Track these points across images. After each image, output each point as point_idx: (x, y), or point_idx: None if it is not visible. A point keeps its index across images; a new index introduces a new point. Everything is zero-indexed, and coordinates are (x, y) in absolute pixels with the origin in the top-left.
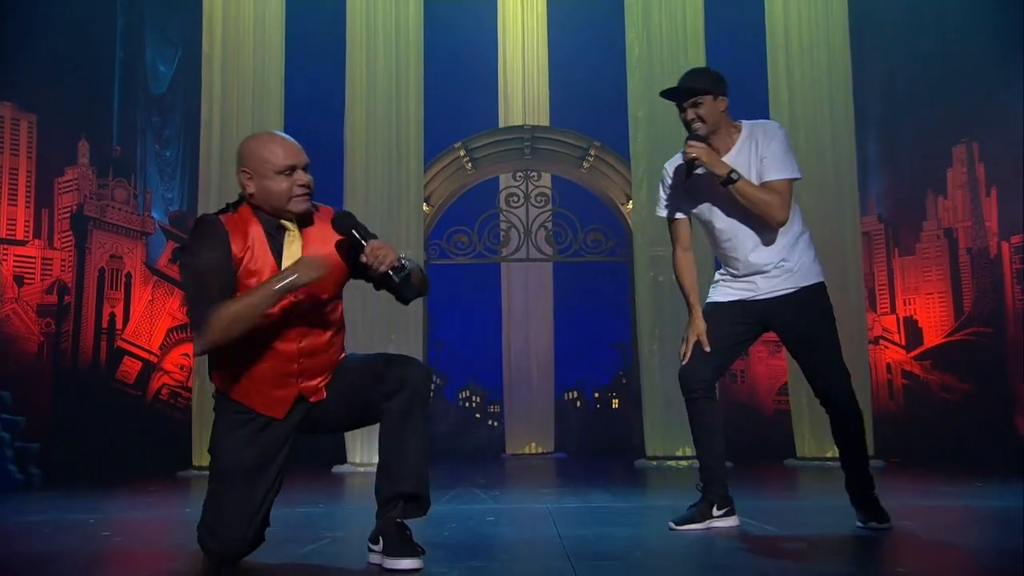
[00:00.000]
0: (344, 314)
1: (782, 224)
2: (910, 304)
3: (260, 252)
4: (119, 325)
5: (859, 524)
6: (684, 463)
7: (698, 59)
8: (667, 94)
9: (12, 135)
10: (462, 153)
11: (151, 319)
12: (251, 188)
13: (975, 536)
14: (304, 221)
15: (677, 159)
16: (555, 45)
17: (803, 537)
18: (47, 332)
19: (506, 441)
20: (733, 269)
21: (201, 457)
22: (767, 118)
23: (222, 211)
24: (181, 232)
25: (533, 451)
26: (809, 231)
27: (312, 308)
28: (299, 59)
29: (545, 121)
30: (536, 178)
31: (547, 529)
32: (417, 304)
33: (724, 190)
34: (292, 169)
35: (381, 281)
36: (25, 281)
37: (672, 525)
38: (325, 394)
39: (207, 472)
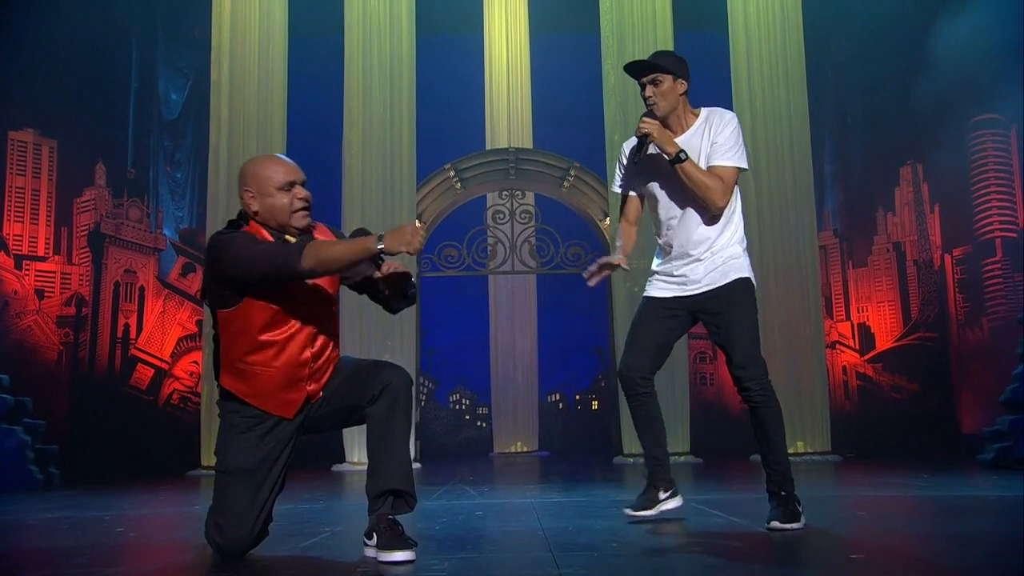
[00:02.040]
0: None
1: (720, 210)
2: (863, 311)
3: None
4: (133, 335)
5: (765, 525)
6: None
7: None
8: (630, 69)
9: (35, 159)
10: (452, 173)
11: (163, 329)
12: (255, 206)
13: (923, 523)
14: (304, 236)
15: (634, 139)
16: (537, 74)
17: (765, 526)
18: (66, 342)
19: (494, 440)
20: (667, 252)
21: (209, 457)
22: None
23: (231, 228)
24: (191, 248)
25: (519, 450)
26: (744, 233)
27: (322, 313)
28: (300, 87)
29: (529, 144)
30: (520, 196)
31: (531, 522)
32: (410, 313)
33: (675, 171)
34: (291, 185)
35: (371, 290)
36: (46, 294)
37: (628, 512)
38: (322, 395)
39: (214, 471)
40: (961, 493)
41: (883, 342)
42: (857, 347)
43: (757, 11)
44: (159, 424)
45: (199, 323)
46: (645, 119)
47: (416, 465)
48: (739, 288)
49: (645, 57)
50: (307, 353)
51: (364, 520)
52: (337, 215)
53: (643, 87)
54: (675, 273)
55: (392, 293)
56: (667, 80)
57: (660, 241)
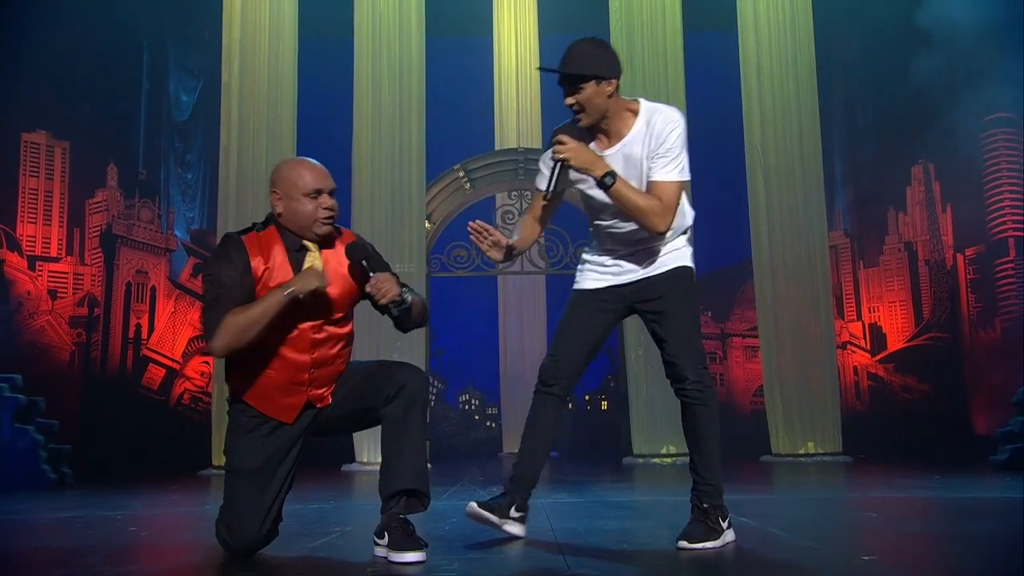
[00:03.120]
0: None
1: (662, 234)
2: (874, 312)
3: (281, 269)
4: (144, 335)
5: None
6: (668, 460)
7: (677, 87)
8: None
9: (47, 160)
10: (461, 174)
11: (174, 329)
12: (279, 208)
13: (936, 525)
14: (325, 243)
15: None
16: (547, 74)
17: (776, 527)
18: (78, 342)
19: (503, 440)
20: (602, 243)
21: (219, 457)
22: (742, 145)
23: (248, 230)
24: (202, 249)
25: None
26: (691, 223)
27: (325, 323)
28: (310, 89)
29: (538, 144)
30: (529, 197)
31: (541, 522)
32: None
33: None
34: (319, 193)
35: (383, 309)
36: (58, 295)
37: (473, 507)
38: (330, 400)
39: (224, 472)
40: (974, 494)
41: (894, 342)
42: (868, 347)
43: (767, 10)
44: (170, 424)
45: None
46: (560, 143)
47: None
48: (679, 275)
49: (652, 57)
50: (306, 358)
51: (374, 520)
52: (347, 215)
53: (565, 94)
54: (608, 263)
55: (387, 314)
56: (589, 86)
57: (592, 230)
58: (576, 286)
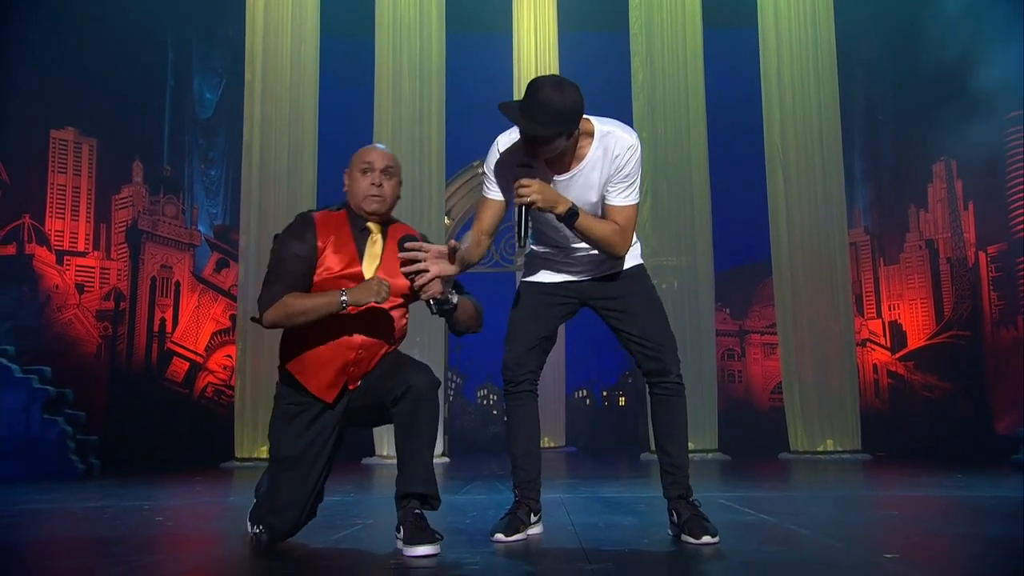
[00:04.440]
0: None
1: (622, 256)
2: (895, 309)
3: (345, 247)
4: (169, 329)
5: (686, 538)
6: None
7: (697, 85)
8: (514, 119)
9: (75, 157)
10: (481, 170)
11: (197, 323)
12: (346, 184)
13: (957, 524)
14: (388, 230)
15: (513, 139)
16: (566, 71)
17: (796, 524)
18: (105, 335)
19: None
20: (558, 247)
21: (242, 449)
22: (761, 142)
23: (323, 208)
24: (225, 244)
25: (546, 445)
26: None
27: (379, 310)
28: (331, 86)
29: None
30: None
31: (560, 517)
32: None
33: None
34: (371, 168)
35: (429, 306)
36: (85, 289)
37: (498, 537)
38: (360, 384)
39: (248, 463)
40: (996, 494)
41: (915, 340)
42: (888, 345)
43: (788, 7)
44: (194, 416)
45: (232, 317)
46: (522, 188)
47: (445, 460)
48: (636, 274)
49: (672, 54)
50: (357, 339)
51: (393, 513)
52: None
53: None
54: (559, 259)
55: (433, 312)
56: (559, 141)
57: (544, 232)
58: (529, 278)
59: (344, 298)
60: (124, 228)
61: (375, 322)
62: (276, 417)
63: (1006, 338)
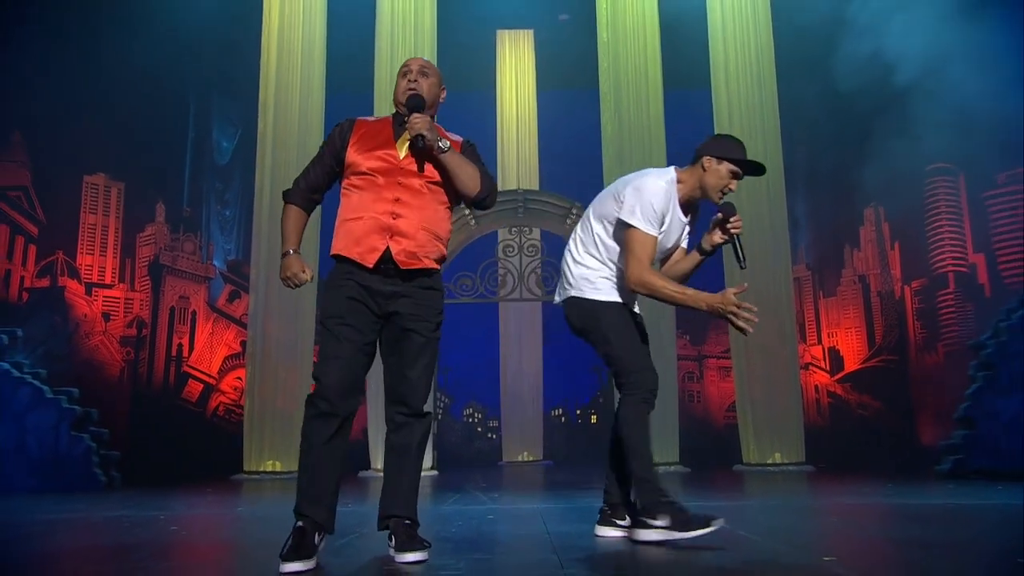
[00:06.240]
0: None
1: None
2: (833, 336)
3: (384, 131)
4: (185, 353)
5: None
6: None
7: (659, 136)
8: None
9: (105, 199)
10: (467, 212)
11: (211, 349)
12: (393, 97)
13: (889, 528)
14: (411, 102)
15: (670, 191)
16: (544, 124)
17: (748, 532)
18: (127, 359)
19: (502, 450)
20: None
21: (250, 463)
22: None
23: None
24: (237, 277)
25: (525, 459)
26: (611, 267)
27: (411, 175)
28: None
29: (535, 185)
30: (528, 232)
31: (538, 526)
32: None
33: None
34: (407, 71)
35: (421, 144)
36: (111, 317)
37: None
38: (404, 300)
39: (255, 476)
40: (923, 501)
41: (851, 364)
42: (828, 368)
43: (737, 70)
44: (206, 433)
45: (243, 343)
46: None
47: (433, 473)
48: (578, 302)
49: (636, 112)
50: (389, 196)
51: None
52: None
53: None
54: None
55: (418, 149)
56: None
57: (612, 265)
58: (611, 298)
59: (288, 248)
60: (147, 263)
61: (406, 184)
62: (327, 286)
63: (928, 362)
